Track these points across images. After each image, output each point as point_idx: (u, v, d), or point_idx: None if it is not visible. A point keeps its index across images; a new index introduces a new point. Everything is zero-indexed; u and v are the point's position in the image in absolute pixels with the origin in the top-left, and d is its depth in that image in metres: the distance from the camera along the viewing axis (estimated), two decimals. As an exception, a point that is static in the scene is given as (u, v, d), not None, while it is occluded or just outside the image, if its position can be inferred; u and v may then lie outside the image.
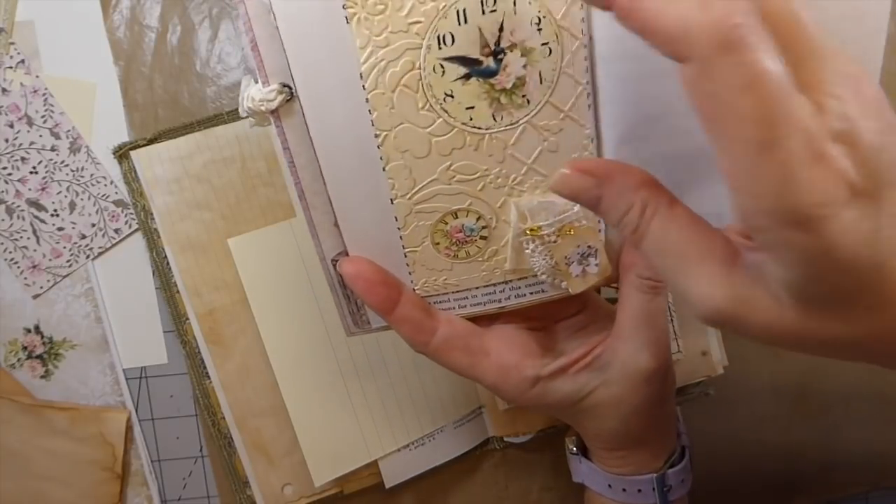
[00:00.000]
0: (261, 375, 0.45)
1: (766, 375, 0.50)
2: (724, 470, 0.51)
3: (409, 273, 0.33)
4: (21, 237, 0.45)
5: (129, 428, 0.47)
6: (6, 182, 0.44)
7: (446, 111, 0.29)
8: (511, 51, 0.28)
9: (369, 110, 0.29)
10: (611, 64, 0.28)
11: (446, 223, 0.32)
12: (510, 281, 0.33)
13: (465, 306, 0.34)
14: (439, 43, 0.27)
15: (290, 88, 0.28)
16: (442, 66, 0.28)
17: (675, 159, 0.30)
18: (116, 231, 0.45)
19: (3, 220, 0.45)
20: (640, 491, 0.36)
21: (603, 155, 0.30)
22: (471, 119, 0.29)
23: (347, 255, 0.33)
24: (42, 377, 0.46)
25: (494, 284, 0.34)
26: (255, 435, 0.45)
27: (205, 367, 0.45)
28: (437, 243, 0.32)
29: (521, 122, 0.29)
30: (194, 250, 0.44)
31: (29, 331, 0.46)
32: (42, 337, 0.46)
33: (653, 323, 0.32)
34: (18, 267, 0.45)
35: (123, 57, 0.44)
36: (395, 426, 0.46)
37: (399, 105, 0.28)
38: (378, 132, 0.29)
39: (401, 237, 0.32)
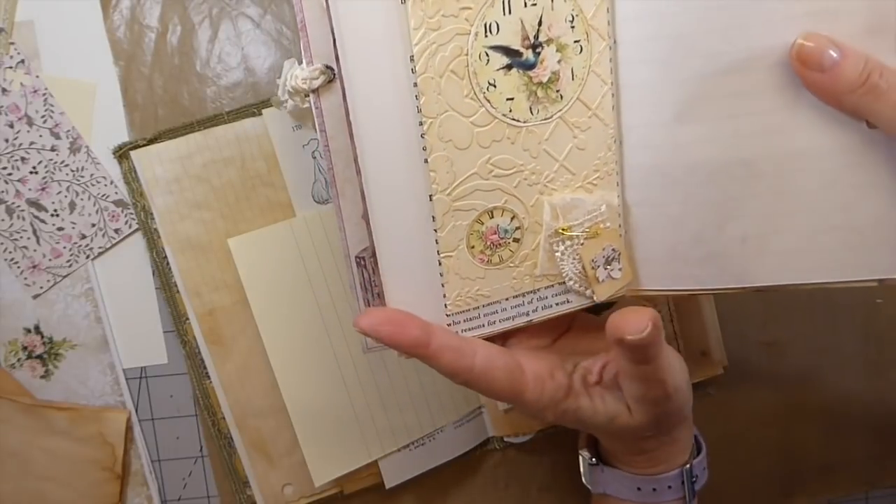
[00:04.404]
0: (261, 375, 0.45)
1: (766, 375, 0.50)
2: (724, 470, 0.51)
3: (442, 285, 0.32)
4: (21, 237, 0.45)
5: (129, 428, 0.47)
6: (6, 182, 0.44)
7: (489, 101, 0.29)
8: (548, 45, 0.28)
9: (417, 95, 0.28)
10: (634, 67, 0.29)
11: (482, 223, 0.31)
12: (538, 290, 0.33)
13: (495, 322, 0.33)
14: (486, 31, 0.28)
15: (333, 70, 0.29)
16: (487, 55, 0.28)
17: (698, 169, 0.30)
18: (116, 231, 0.45)
19: (3, 220, 0.45)
20: (669, 487, 0.36)
21: (623, 158, 0.30)
22: (510, 111, 0.29)
23: (374, 251, 0.31)
24: (42, 377, 0.46)
25: (523, 294, 0.33)
26: (255, 435, 0.45)
27: (205, 367, 0.45)
28: (472, 246, 0.32)
29: (554, 116, 0.30)
30: (194, 250, 0.44)
31: (29, 331, 0.46)
32: (42, 337, 0.46)
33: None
34: (18, 267, 0.45)
35: (123, 57, 0.44)
36: (395, 426, 0.46)
37: (446, 91, 0.28)
38: (423, 119, 0.29)
39: (436, 241, 0.31)
